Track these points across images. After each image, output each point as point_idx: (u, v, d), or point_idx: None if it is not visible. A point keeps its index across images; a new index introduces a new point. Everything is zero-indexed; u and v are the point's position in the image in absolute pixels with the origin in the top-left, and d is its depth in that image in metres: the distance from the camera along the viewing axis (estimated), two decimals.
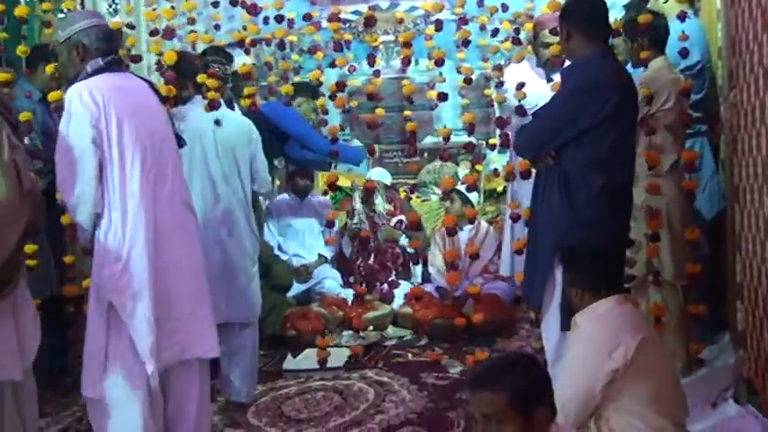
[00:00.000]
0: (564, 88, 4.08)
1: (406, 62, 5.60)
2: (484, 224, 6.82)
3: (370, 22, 5.97)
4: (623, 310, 3.46)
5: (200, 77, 4.93)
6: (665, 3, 5.45)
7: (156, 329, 3.72)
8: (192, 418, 3.97)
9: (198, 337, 3.89)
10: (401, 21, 7.45)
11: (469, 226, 6.62)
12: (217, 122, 4.88)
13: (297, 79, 7.23)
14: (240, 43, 5.73)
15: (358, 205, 7.03)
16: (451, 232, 5.47)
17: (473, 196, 6.69)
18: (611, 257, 3.63)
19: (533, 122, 4.16)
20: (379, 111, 7.23)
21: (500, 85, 5.86)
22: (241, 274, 4.99)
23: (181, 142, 4.02)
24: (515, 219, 5.39)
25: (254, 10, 5.65)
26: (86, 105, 3.69)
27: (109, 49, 3.89)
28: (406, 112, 6.27)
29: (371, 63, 5.84)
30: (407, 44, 5.35)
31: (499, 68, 5.94)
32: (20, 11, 4.87)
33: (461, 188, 6.59)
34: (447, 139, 5.37)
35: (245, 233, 5.00)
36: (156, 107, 3.95)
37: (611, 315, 3.41)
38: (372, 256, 6.95)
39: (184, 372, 3.94)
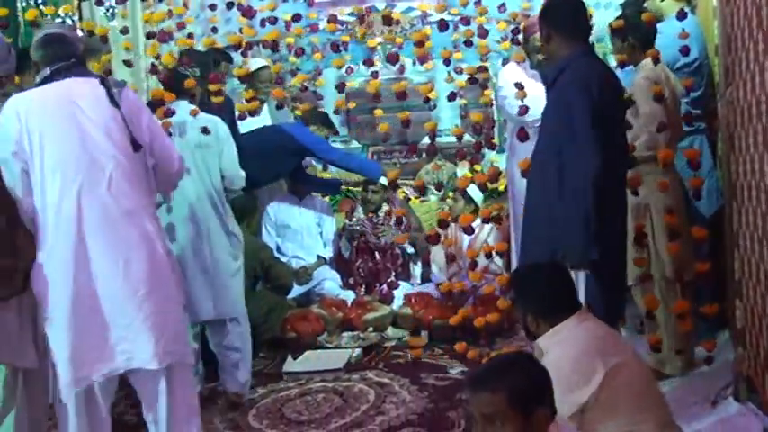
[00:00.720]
0: (558, 95, 4.01)
1: (422, 61, 5.60)
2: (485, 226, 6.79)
3: (387, 20, 5.98)
4: (586, 331, 3.36)
5: (188, 82, 5.03)
6: (662, 1, 5.43)
7: (82, 340, 3.73)
8: (163, 424, 3.96)
9: (138, 347, 3.81)
10: (398, 22, 7.45)
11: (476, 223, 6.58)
12: (204, 131, 5.01)
13: (294, 82, 7.23)
14: (237, 46, 5.73)
15: (359, 212, 7.01)
16: (469, 231, 5.47)
17: (478, 196, 6.67)
18: (560, 276, 3.51)
19: (578, 151, 3.87)
20: (378, 112, 7.27)
21: (484, 87, 5.87)
22: (221, 270, 5.10)
23: (136, 145, 3.90)
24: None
25: (249, 13, 5.66)
26: (8, 118, 3.79)
27: (55, 56, 3.92)
28: (405, 113, 6.28)
29: (368, 64, 5.84)
30: (421, 43, 5.35)
31: (485, 71, 5.94)
32: (30, 14, 4.89)
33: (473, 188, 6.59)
34: (433, 138, 5.36)
35: (218, 230, 5.11)
36: (99, 112, 3.86)
37: (574, 339, 3.32)
38: (375, 256, 6.94)
39: (147, 379, 3.92)
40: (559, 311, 3.38)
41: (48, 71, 3.88)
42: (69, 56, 3.94)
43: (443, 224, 5.36)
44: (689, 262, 4.78)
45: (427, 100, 5.85)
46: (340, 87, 6.36)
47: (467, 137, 6.92)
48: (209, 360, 5.41)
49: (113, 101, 3.85)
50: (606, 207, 3.83)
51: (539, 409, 2.63)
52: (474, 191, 6.50)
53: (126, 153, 3.85)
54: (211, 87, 5.15)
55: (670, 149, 4.75)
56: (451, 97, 5.77)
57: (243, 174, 5.27)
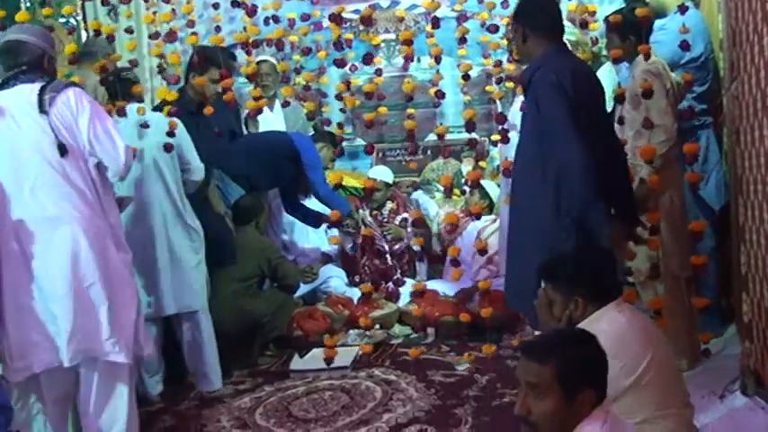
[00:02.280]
0: (532, 95, 3.99)
1: (408, 60, 5.60)
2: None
3: (366, 21, 5.97)
4: (627, 320, 3.30)
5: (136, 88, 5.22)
6: None
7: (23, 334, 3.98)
8: (90, 417, 4.14)
9: (57, 344, 4.01)
10: (402, 19, 7.45)
11: (484, 218, 6.56)
12: (144, 125, 5.11)
13: (298, 80, 7.22)
14: (242, 44, 5.73)
15: (366, 216, 7.01)
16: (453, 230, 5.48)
17: (494, 191, 6.68)
18: (609, 259, 3.50)
19: (561, 150, 3.86)
20: (382, 109, 7.26)
21: (499, 81, 5.85)
22: (182, 265, 5.27)
23: (62, 150, 4.01)
24: None
25: (252, 11, 5.65)
26: None
27: (12, 64, 4.11)
28: (410, 110, 6.28)
29: (368, 62, 5.83)
30: (408, 42, 5.33)
31: (499, 65, 5.93)
32: (21, 16, 4.88)
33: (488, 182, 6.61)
34: (441, 136, 5.33)
35: (177, 225, 5.26)
36: (27, 120, 4.01)
37: (618, 326, 3.24)
38: (382, 255, 6.94)
39: (85, 372, 4.13)
40: (608, 295, 3.32)
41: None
42: (22, 63, 4.09)
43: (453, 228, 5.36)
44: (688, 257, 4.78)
45: (441, 96, 5.83)
46: (347, 85, 6.37)
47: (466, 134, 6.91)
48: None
49: (42, 107, 3.99)
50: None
51: (585, 390, 2.60)
52: (490, 185, 6.50)
53: (52, 159, 4.00)
54: (222, 85, 5.16)
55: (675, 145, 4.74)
56: (440, 95, 5.76)
57: (202, 165, 5.39)
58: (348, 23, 7.67)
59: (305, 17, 6.97)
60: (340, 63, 6.30)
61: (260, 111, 5.32)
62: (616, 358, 3.03)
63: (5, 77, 4.11)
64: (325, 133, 6.85)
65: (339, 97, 6.18)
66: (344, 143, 7.60)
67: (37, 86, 4.05)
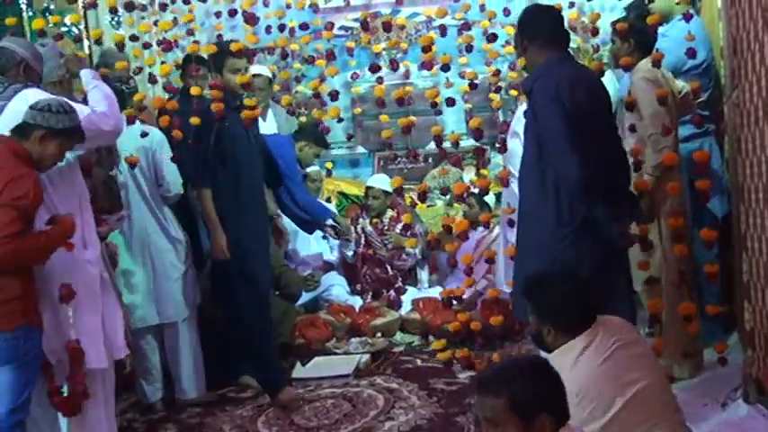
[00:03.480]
0: (532, 105, 4.01)
1: (429, 66, 5.59)
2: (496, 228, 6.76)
3: (386, 27, 6.00)
4: (599, 354, 3.22)
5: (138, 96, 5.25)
6: (678, 3, 5.39)
7: None
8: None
9: None
10: (403, 27, 7.46)
11: (480, 228, 6.57)
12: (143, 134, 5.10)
13: (299, 88, 7.24)
14: (241, 53, 5.73)
15: (366, 224, 7.00)
16: (462, 237, 5.46)
17: (490, 199, 6.67)
18: (579, 287, 3.41)
19: (558, 162, 3.87)
20: (384, 117, 7.26)
21: (498, 90, 5.85)
22: (165, 276, 5.30)
23: None
24: (512, 224, 5.33)
25: (252, 20, 5.66)
26: None
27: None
28: (411, 118, 6.27)
29: (374, 70, 5.84)
30: (428, 48, 5.33)
31: (497, 74, 5.93)
32: (37, 24, 4.90)
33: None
34: (439, 143, 5.32)
35: (160, 236, 5.30)
36: None
37: (589, 362, 3.21)
38: (381, 263, 6.93)
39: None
40: (577, 324, 3.28)
41: None
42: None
43: (449, 230, 5.33)
44: (693, 264, 4.77)
45: (451, 103, 5.84)
46: (333, 96, 6.43)
47: (470, 141, 6.93)
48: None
49: None
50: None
51: (541, 415, 2.60)
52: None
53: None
54: (212, 94, 5.15)
55: (674, 152, 4.73)
56: (450, 102, 5.76)
57: (180, 180, 5.39)
58: (350, 31, 7.68)
59: (304, 26, 6.99)
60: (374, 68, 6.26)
61: (256, 119, 5.31)
62: (584, 400, 3.07)
63: None
64: (310, 131, 6.78)
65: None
66: (347, 152, 7.63)
67: None
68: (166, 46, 5.71)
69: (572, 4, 6.71)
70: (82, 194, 4.22)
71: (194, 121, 4.92)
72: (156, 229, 5.29)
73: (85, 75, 4.39)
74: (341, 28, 7.64)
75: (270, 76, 6.89)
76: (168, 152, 5.30)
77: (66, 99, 4.00)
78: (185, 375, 5.42)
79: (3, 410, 3.71)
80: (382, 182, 7.07)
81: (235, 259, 5.12)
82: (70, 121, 3.82)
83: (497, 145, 5.72)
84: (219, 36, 6.85)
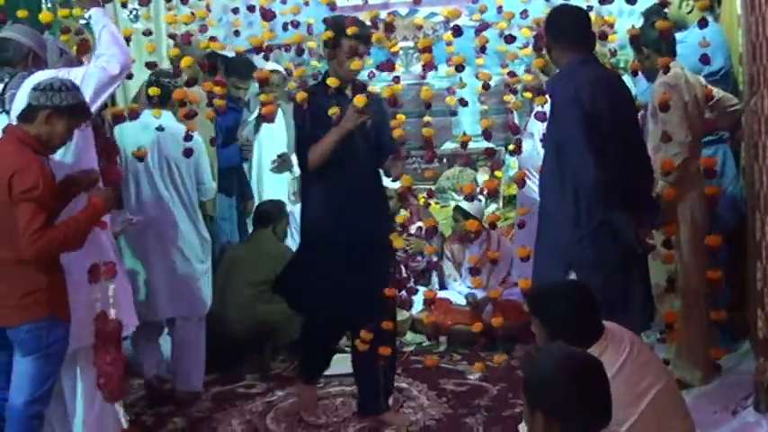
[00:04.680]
0: (553, 106, 4.02)
1: (429, 68, 5.59)
2: (494, 234, 6.73)
3: (389, 27, 5.96)
4: (613, 363, 3.11)
5: (152, 90, 5.30)
6: (689, 13, 5.38)
7: None
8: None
9: None
10: (420, 27, 7.45)
11: (479, 240, 6.58)
12: (159, 128, 5.20)
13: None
14: (258, 49, 5.74)
15: None
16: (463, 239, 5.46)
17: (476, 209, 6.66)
18: (584, 298, 3.32)
19: (577, 164, 3.85)
20: (400, 117, 7.25)
21: (514, 92, 5.84)
22: (186, 273, 5.38)
23: None
24: (522, 225, 5.31)
25: (270, 16, 5.66)
26: None
27: None
28: (426, 118, 6.26)
29: (389, 69, 5.83)
30: (427, 50, 5.33)
31: (513, 75, 5.92)
32: (44, 17, 4.91)
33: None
34: (464, 145, 5.32)
35: (191, 236, 5.39)
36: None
37: None
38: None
39: None
40: (585, 337, 3.18)
41: None
42: (5, 60, 4.15)
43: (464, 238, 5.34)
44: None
45: (464, 104, 5.83)
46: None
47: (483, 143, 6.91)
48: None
49: (3, 105, 4.05)
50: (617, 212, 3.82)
51: (535, 410, 2.53)
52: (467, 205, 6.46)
53: None
54: (216, 90, 5.17)
55: (696, 159, 4.71)
56: (463, 103, 5.75)
57: (214, 185, 5.58)
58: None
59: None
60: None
61: (272, 116, 5.34)
62: None
63: None
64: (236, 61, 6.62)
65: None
66: None
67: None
68: (185, 39, 5.71)
69: (590, 8, 6.68)
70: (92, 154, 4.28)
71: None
72: (191, 227, 5.40)
73: (95, 13, 4.33)
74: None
75: (284, 73, 6.90)
76: (207, 156, 5.45)
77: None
78: (191, 368, 5.45)
79: (21, 401, 3.73)
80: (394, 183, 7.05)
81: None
82: (74, 98, 3.78)
83: (510, 147, 5.71)
84: (236, 32, 6.86)
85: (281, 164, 6.96)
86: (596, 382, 2.56)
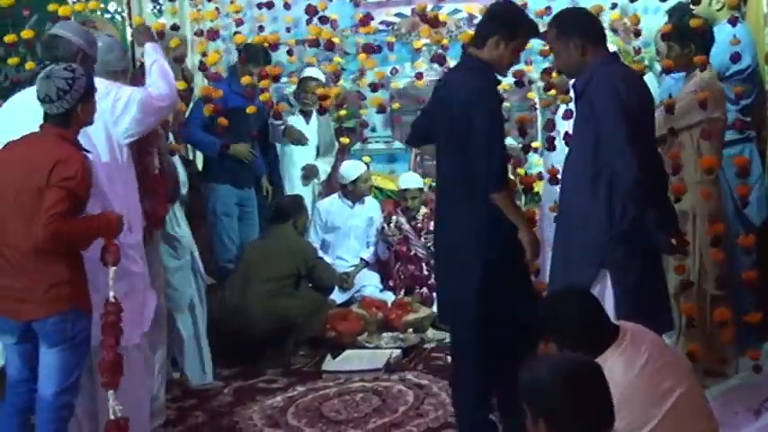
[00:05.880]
0: (588, 105, 3.88)
1: (442, 63, 5.61)
2: None
3: (434, 23, 5.99)
4: (632, 367, 3.07)
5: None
6: (719, 10, 5.34)
7: None
8: None
9: None
10: (444, 24, 7.43)
11: None
12: None
13: (339, 82, 7.25)
14: (274, 46, 5.78)
15: (403, 222, 6.97)
16: None
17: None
18: (593, 303, 3.27)
19: (618, 161, 3.74)
20: None
21: (549, 88, 5.80)
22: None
23: None
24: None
25: (312, 11, 5.70)
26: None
27: (47, 57, 4.26)
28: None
29: (440, 63, 5.83)
30: (442, 46, 5.36)
31: (549, 72, 5.88)
32: (63, 10, 4.95)
33: None
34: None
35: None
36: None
37: (617, 381, 2.90)
38: (415, 261, 6.92)
39: None
40: (600, 343, 3.12)
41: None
42: (55, 58, 4.13)
43: None
44: (731, 270, 4.72)
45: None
46: (374, 87, 6.42)
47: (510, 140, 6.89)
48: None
49: None
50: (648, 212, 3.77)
51: (537, 418, 2.53)
52: None
53: None
54: (243, 81, 5.17)
55: (715, 157, 4.68)
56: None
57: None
58: (390, 26, 7.69)
59: (367, 18, 6.99)
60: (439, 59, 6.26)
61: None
62: (622, 411, 2.81)
63: (35, 72, 4.28)
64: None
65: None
66: (384, 147, 7.63)
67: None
68: (211, 35, 5.74)
69: (614, 5, 6.66)
70: (132, 182, 4.33)
71: None
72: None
73: (149, 48, 4.49)
74: (382, 23, 7.65)
75: (323, 80, 6.97)
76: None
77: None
78: (204, 361, 5.50)
79: (51, 392, 3.79)
80: (416, 181, 7.06)
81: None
82: (79, 83, 3.78)
83: (545, 143, 5.69)
84: (261, 27, 6.89)
85: (308, 174, 7.03)
86: (594, 387, 2.54)
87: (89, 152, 3.86)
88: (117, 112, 4.20)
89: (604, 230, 3.79)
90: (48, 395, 3.79)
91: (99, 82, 4.03)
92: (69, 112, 3.77)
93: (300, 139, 6.98)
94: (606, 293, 3.77)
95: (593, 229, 3.82)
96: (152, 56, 4.47)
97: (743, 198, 4.45)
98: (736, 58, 5.00)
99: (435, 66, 7.60)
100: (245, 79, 5.22)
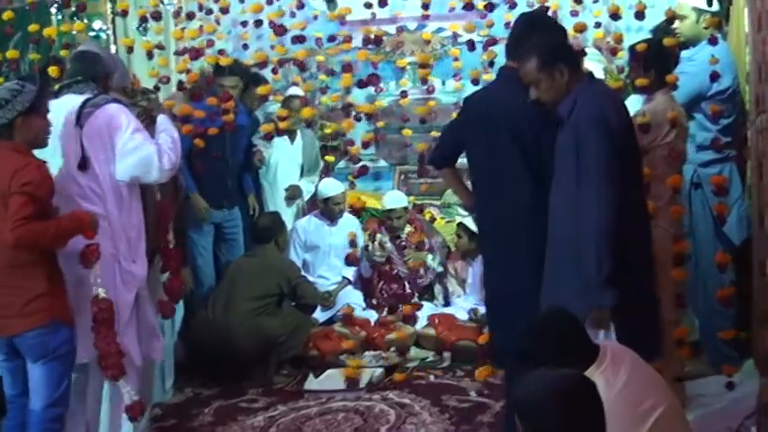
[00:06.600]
0: (573, 129, 3.75)
1: (424, 82, 5.65)
2: None
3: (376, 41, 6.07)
4: (611, 388, 3.02)
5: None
6: (705, 28, 5.32)
7: None
8: None
9: None
10: (428, 42, 7.46)
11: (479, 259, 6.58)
12: None
13: (323, 99, 7.27)
14: (264, 64, 5.78)
15: (386, 241, 6.96)
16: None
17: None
18: (572, 325, 3.23)
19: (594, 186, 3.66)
20: (407, 131, 7.28)
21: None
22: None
23: (82, 165, 4.23)
24: None
25: (281, 31, 5.71)
26: None
27: (70, 73, 4.52)
28: (434, 133, 6.27)
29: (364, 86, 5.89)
30: (425, 65, 5.39)
31: None
32: (49, 31, 4.97)
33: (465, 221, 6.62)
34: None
35: None
36: (66, 130, 4.26)
37: (606, 393, 2.83)
38: (398, 280, 6.90)
39: None
40: (580, 363, 3.09)
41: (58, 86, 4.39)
42: (77, 73, 4.36)
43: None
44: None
45: None
46: (345, 109, 6.50)
47: None
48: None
49: (78, 120, 4.19)
50: (627, 240, 3.68)
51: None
52: (471, 221, 6.43)
53: (75, 172, 4.22)
54: (224, 106, 5.18)
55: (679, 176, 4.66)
56: None
57: None
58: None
59: (332, 38, 7.01)
60: (363, 84, 6.34)
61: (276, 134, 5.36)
62: None
63: (62, 85, 4.39)
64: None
65: (358, 118, 6.24)
66: (370, 164, 7.62)
67: (82, 98, 4.25)
68: (193, 54, 5.75)
69: (598, 24, 6.70)
70: (139, 215, 4.41)
71: None
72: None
73: (162, 119, 4.62)
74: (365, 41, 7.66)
75: (305, 97, 6.99)
76: None
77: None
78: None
79: (39, 406, 3.86)
80: (401, 200, 7.04)
81: None
82: (23, 97, 3.86)
83: None
84: (245, 45, 6.90)
85: (292, 195, 7.04)
86: (587, 404, 2.51)
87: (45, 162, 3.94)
88: (125, 149, 4.27)
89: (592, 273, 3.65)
90: (37, 409, 3.86)
91: (113, 108, 4.25)
92: (11, 124, 3.83)
93: (261, 160, 6.98)
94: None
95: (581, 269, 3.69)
96: (163, 124, 4.58)
97: (721, 217, 4.44)
98: (714, 77, 5.01)
99: (420, 84, 7.66)
100: (211, 100, 5.23)
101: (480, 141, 4.16)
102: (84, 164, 4.20)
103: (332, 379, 5.82)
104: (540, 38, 3.94)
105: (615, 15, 5.64)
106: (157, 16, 5.94)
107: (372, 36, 6.31)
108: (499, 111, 4.08)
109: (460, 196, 4.53)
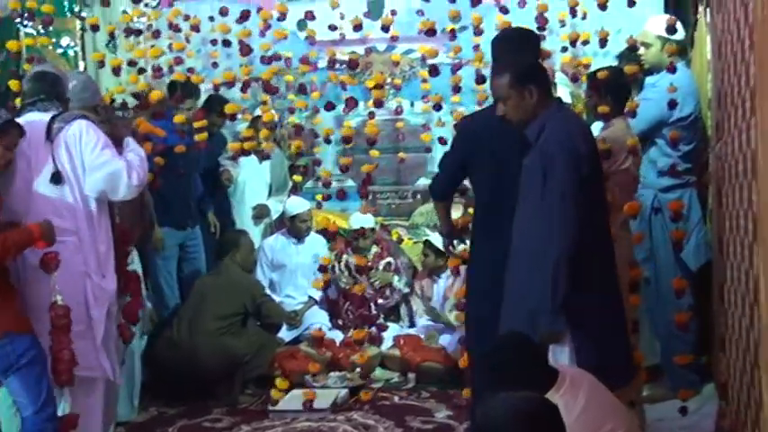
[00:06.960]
0: (540, 154, 3.79)
1: (378, 104, 5.71)
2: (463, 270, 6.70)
3: (352, 65, 6.09)
4: (568, 413, 3.00)
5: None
6: (670, 56, 5.36)
7: None
8: None
9: None
10: (397, 63, 7.49)
11: (446, 274, 6.61)
12: None
13: (292, 119, 7.27)
14: (232, 83, 5.80)
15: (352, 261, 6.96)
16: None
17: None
18: (531, 350, 3.29)
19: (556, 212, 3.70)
20: (374, 152, 7.29)
21: None
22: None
23: (56, 179, 4.30)
24: None
25: (247, 51, 5.74)
26: None
27: (35, 91, 4.46)
28: (401, 154, 6.30)
29: (350, 106, 5.92)
30: (379, 86, 5.44)
31: None
32: (11, 45, 4.97)
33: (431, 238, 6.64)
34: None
35: None
36: (35, 146, 4.33)
37: (565, 418, 2.79)
38: (365, 301, 6.90)
39: None
40: (538, 386, 3.09)
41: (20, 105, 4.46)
42: (39, 91, 4.39)
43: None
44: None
45: (443, 142, 5.88)
46: (296, 129, 6.56)
47: None
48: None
49: (49, 135, 4.26)
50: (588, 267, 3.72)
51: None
52: (438, 239, 6.44)
53: (47, 186, 4.27)
54: (196, 124, 5.21)
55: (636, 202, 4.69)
56: (442, 141, 5.82)
57: None
58: (344, 66, 7.71)
59: (303, 59, 7.02)
60: (329, 107, 6.37)
61: (241, 153, 5.39)
62: None
63: (24, 102, 4.44)
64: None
65: (327, 140, 6.27)
66: (336, 185, 7.63)
67: (48, 115, 4.31)
68: (158, 73, 5.76)
69: (565, 49, 6.75)
70: (108, 230, 4.49)
71: None
72: None
73: (128, 141, 4.69)
74: (335, 61, 7.67)
75: (276, 119, 7.00)
76: None
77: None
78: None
79: (30, 412, 3.93)
80: (368, 220, 7.05)
81: None
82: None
83: None
84: (215, 64, 6.90)
85: (259, 214, 7.05)
86: (550, 427, 2.53)
87: None
88: (94, 163, 4.34)
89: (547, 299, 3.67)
90: (29, 416, 3.93)
91: (81, 124, 4.32)
92: None
93: (230, 179, 7.02)
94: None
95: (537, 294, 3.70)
96: (129, 145, 4.65)
97: (678, 242, 4.49)
98: (672, 105, 5.09)
99: (388, 105, 7.68)
100: (179, 117, 5.24)
101: (482, 165, 4.33)
102: (58, 177, 4.26)
103: (297, 399, 5.81)
104: (517, 56, 4.05)
105: (574, 42, 5.76)
106: (130, 32, 5.94)
107: (348, 57, 6.34)
108: (490, 131, 4.22)
109: (442, 224, 4.79)
